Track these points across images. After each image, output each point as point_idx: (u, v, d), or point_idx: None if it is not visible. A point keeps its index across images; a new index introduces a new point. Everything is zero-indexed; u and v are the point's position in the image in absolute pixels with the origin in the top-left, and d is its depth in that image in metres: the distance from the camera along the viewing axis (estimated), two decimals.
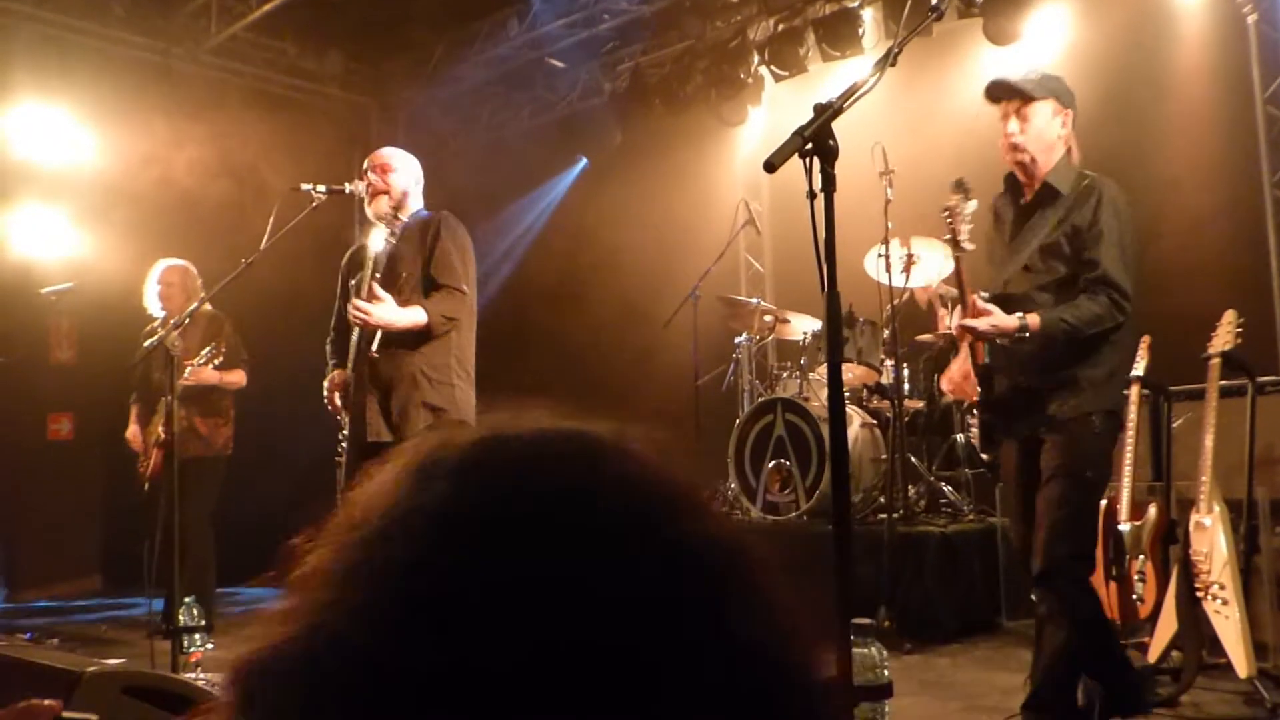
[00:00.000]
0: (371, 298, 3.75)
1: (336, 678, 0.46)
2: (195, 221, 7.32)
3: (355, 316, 3.71)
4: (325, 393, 4.05)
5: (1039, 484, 3.26)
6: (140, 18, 8.12)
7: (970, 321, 3.20)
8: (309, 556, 0.53)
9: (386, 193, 3.98)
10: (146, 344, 4.56)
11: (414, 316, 3.80)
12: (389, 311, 3.75)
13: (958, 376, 3.51)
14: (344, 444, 3.99)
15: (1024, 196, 3.39)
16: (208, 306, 5.52)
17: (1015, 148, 3.27)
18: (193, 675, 3.97)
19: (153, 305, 5.70)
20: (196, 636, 4.31)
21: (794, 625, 0.52)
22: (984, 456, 3.59)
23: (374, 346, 3.82)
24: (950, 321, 3.49)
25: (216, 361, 5.45)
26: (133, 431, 5.87)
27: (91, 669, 2.37)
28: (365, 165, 4.05)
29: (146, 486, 5.72)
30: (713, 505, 0.55)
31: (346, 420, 3.97)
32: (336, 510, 0.55)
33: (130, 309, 6.06)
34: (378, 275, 3.88)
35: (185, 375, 5.23)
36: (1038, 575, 3.23)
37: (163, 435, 5.49)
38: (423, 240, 3.93)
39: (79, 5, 7.88)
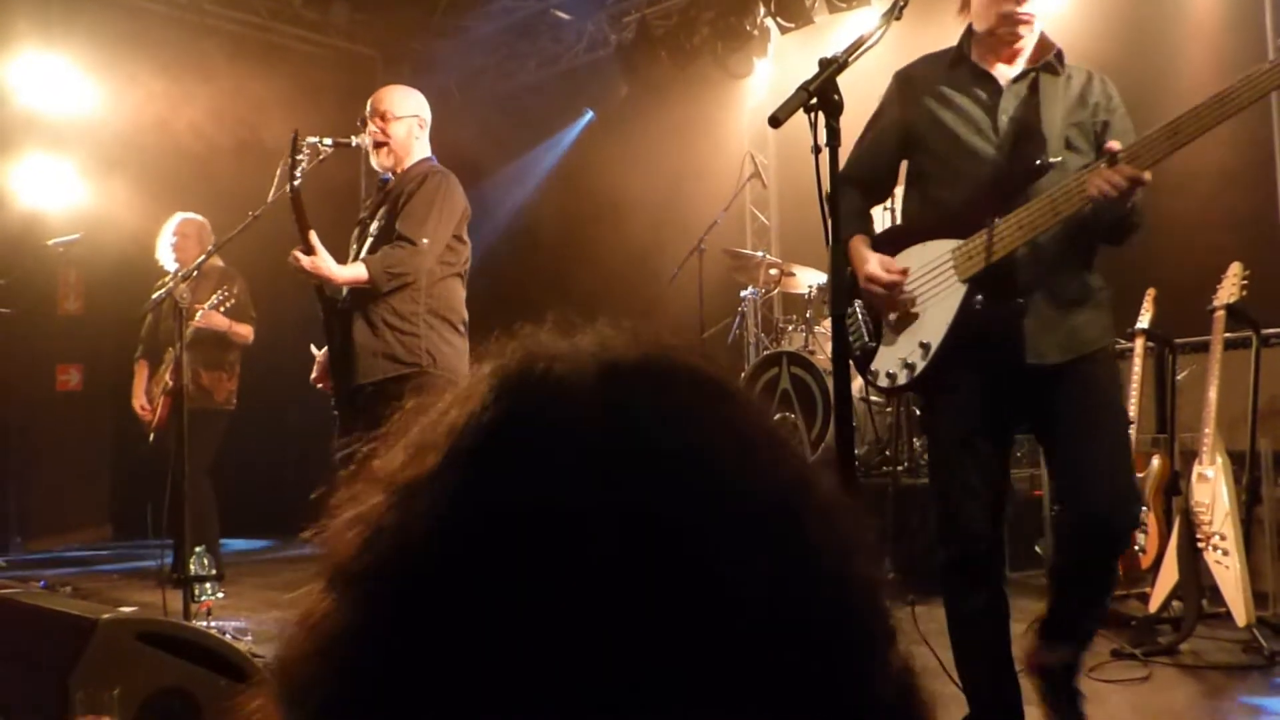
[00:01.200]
0: (309, 249, 3.67)
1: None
2: (201, 173, 7.31)
3: (292, 265, 3.68)
4: (314, 373, 4.05)
5: (1005, 436, 2.81)
6: None
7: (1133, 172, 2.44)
8: (340, 520, 0.51)
9: (386, 144, 3.91)
10: (155, 295, 4.58)
11: (354, 272, 3.73)
12: (325, 264, 3.68)
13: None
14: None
15: (992, 67, 2.78)
16: (218, 261, 5.53)
17: (1024, 20, 2.71)
18: (204, 623, 4.04)
19: (165, 258, 5.68)
20: (208, 585, 4.37)
21: (871, 559, 0.52)
22: (872, 394, 3.07)
23: (342, 293, 3.81)
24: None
25: (226, 306, 5.45)
26: (140, 400, 5.86)
27: (107, 616, 2.42)
28: (367, 109, 3.95)
29: (152, 438, 5.75)
30: (774, 442, 0.52)
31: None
32: (356, 467, 0.53)
33: (138, 260, 6.08)
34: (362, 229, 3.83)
35: (195, 318, 5.24)
36: (1112, 529, 2.67)
37: (170, 384, 5.51)
38: (406, 194, 3.85)
39: None
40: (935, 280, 2.72)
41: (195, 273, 4.54)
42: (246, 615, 4.81)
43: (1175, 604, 4.12)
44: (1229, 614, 3.93)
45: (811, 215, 2.09)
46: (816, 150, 1.95)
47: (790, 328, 6.62)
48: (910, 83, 2.89)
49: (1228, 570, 3.93)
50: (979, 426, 2.69)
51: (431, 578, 0.45)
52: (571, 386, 0.50)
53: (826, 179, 1.96)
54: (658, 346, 0.54)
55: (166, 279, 5.54)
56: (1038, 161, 2.59)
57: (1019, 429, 2.99)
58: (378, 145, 3.90)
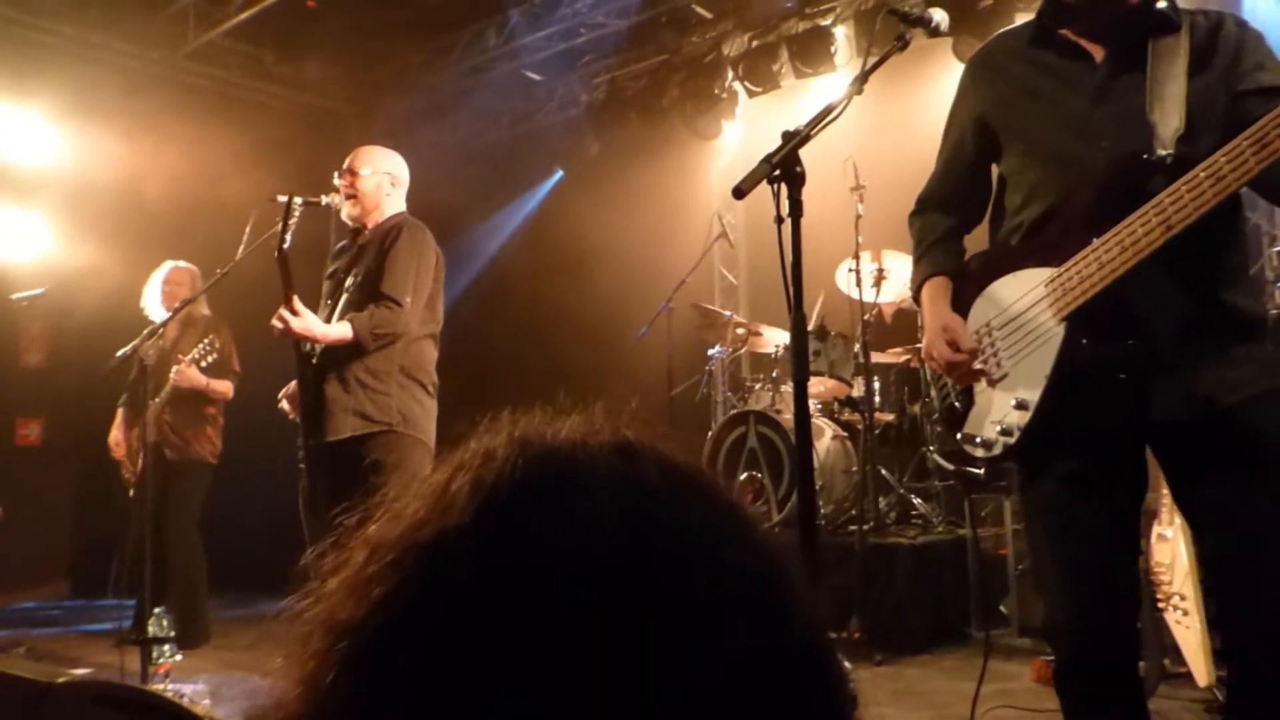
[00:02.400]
0: (292, 310, 3.69)
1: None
2: (169, 228, 7.30)
3: (274, 326, 3.69)
4: (279, 398, 4.04)
5: (1131, 505, 2.21)
6: (117, 21, 8.09)
7: None
8: (327, 583, 0.53)
9: (354, 197, 3.95)
10: (119, 353, 4.55)
11: (340, 332, 3.73)
12: (309, 323, 3.69)
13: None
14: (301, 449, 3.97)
15: (1085, 38, 2.21)
16: (206, 311, 5.54)
17: None
18: (161, 685, 3.96)
19: (153, 308, 5.63)
20: (165, 647, 4.29)
21: (826, 636, 0.55)
22: (975, 469, 2.27)
23: (314, 350, 3.81)
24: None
25: (207, 360, 5.41)
26: (115, 437, 5.81)
27: (61, 679, 2.38)
28: (344, 165, 4.01)
29: (131, 492, 5.68)
30: (753, 522, 0.56)
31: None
32: (348, 540, 0.55)
33: (104, 313, 6.04)
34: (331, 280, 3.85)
35: (172, 373, 5.22)
36: None
37: (152, 439, 5.47)
38: (380, 248, 3.88)
39: (56, 7, 7.84)
40: (1028, 322, 2.16)
41: (162, 330, 4.51)
42: (206, 677, 4.73)
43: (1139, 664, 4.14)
44: (1190, 674, 3.95)
45: (779, 276, 2.06)
46: (779, 221, 2.00)
47: (758, 387, 6.66)
48: (985, 67, 2.38)
49: (1188, 630, 3.96)
50: (1094, 500, 2.13)
51: (463, 629, 0.47)
52: (591, 458, 0.53)
53: (789, 250, 2.01)
54: (658, 434, 0.58)
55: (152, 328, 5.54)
56: (1145, 157, 2.03)
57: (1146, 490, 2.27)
58: (346, 198, 3.95)
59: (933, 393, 2.39)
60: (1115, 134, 2.09)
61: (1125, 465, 2.14)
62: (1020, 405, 2.13)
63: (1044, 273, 2.14)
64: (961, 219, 2.45)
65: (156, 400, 5.39)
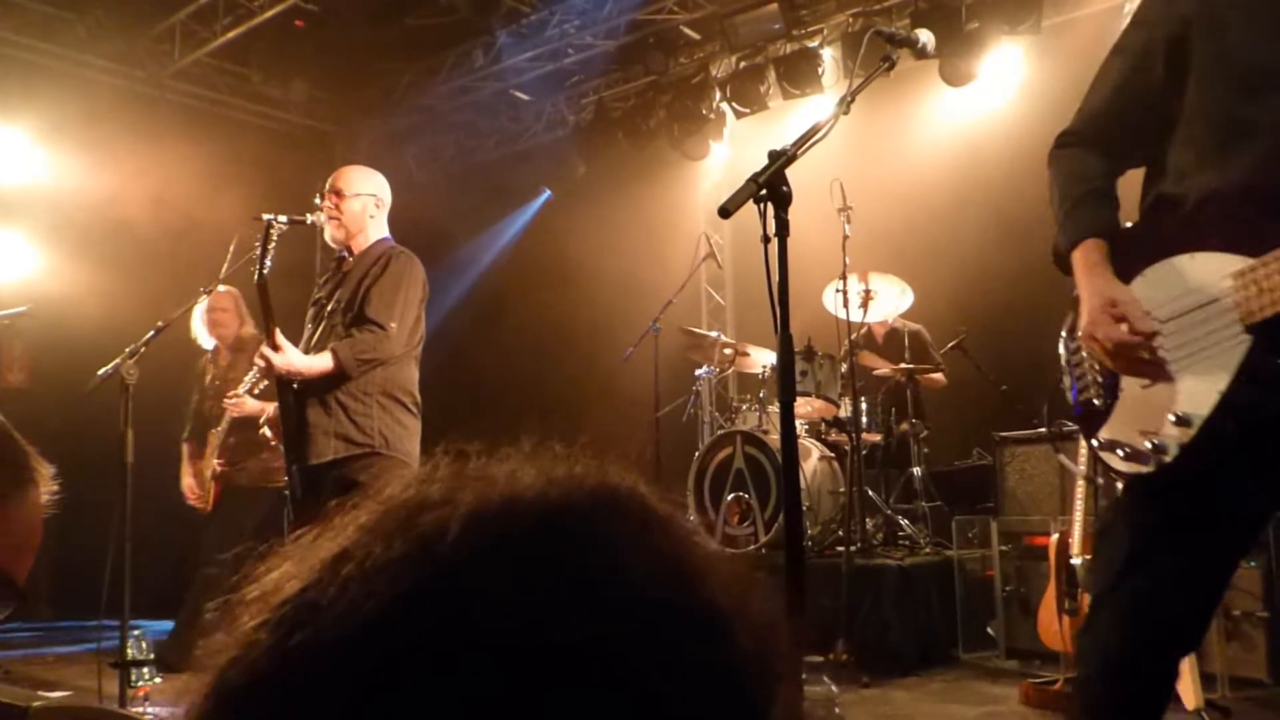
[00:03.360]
0: (274, 345, 3.67)
1: None
2: (154, 247, 7.27)
3: (256, 364, 3.69)
4: (261, 423, 4.02)
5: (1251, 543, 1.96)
6: (103, 40, 8.08)
7: None
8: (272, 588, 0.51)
9: (338, 219, 3.92)
10: (100, 372, 4.49)
11: (320, 364, 3.70)
12: (290, 359, 3.68)
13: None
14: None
15: None
16: (252, 329, 5.53)
17: None
18: (141, 709, 3.91)
19: (202, 336, 5.62)
20: (145, 670, 4.23)
21: (796, 686, 0.53)
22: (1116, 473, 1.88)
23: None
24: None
25: (259, 388, 5.32)
26: (188, 484, 5.73)
27: (37, 704, 2.34)
28: (326, 185, 3.97)
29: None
30: (717, 565, 0.52)
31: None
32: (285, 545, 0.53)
33: (86, 332, 6.00)
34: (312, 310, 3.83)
35: (229, 404, 5.20)
36: None
37: (218, 468, 5.49)
38: (366, 275, 3.85)
39: (41, 26, 7.83)
40: (1204, 320, 1.73)
41: (143, 348, 4.46)
42: (187, 701, 4.66)
43: None
44: (1177, 697, 3.94)
45: (766, 296, 2.05)
46: (766, 240, 1.99)
47: (744, 407, 6.65)
48: None
49: None
50: (1233, 542, 1.84)
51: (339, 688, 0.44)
52: (525, 511, 0.50)
53: (775, 269, 1.99)
54: (607, 478, 0.54)
55: (207, 356, 5.51)
56: None
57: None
58: (330, 219, 3.92)
59: (1065, 381, 1.97)
60: None
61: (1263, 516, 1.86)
62: (1181, 421, 1.72)
63: (1232, 261, 1.69)
64: (1122, 163, 1.95)
65: (217, 429, 5.42)
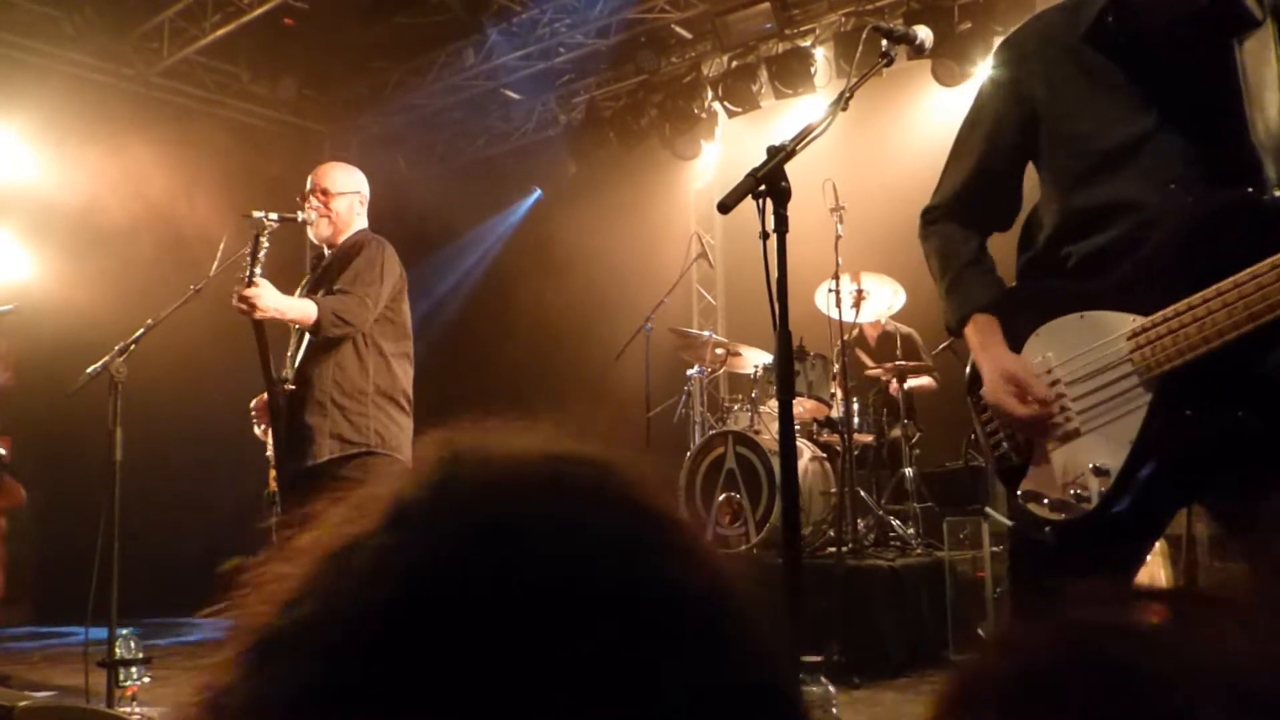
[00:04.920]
0: (251, 284, 3.58)
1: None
2: (141, 245, 7.23)
3: (238, 306, 3.60)
4: (252, 410, 3.98)
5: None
6: (91, 37, 8.03)
7: None
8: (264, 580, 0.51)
9: (328, 217, 3.93)
10: (89, 370, 4.45)
11: (303, 307, 3.66)
12: (272, 297, 3.59)
13: None
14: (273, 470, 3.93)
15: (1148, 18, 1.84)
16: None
17: None
18: (128, 709, 3.88)
19: None
20: (133, 670, 4.20)
21: (780, 665, 0.52)
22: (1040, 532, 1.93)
23: (290, 371, 3.78)
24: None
25: None
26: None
27: (24, 704, 2.32)
28: (308, 184, 3.97)
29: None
30: (703, 541, 0.53)
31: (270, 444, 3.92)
32: (279, 542, 0.53)
33: (73, 331, 5.96)
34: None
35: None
36: None
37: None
38: (343, 263, 3.86)
39: (28, 22, 7.78)
40: (1102, 378, 1.84)
41: (132, 346, 4.43)
42: (174, 700, 4.63)
43: None
44: None
45: (758, 295, 2.09)
46: (764, 236, 1.98)
47: (736, 407, 6.64)
48: (1030, 52, 1.98)
49: None
50: (1146, 543, 1.95)
51: (357, 639, 0.45)
52: (517, 467, 0.51)
53: (774, 265, 1.98)
54: (597, 447, 0.55)
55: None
56: (1249, 190, 1.72)
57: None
58: (319, 216, 3.92)
59: (980, 440, 2.07)
60: (1204, 164, 1.76)
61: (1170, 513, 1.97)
62: (1099, 471, 1.82)
63: (1123, 320, 1.81)
64: (986, 232, 2.08)
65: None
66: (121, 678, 4.09)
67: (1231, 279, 1.66)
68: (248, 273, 3.58)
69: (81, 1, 7.81)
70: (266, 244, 3.62)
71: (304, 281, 4.16)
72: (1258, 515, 1.77)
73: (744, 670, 0.49)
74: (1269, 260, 1.62)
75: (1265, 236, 1.65)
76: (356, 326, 3.75)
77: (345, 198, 3.97)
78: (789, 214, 2.04)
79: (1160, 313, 1.74)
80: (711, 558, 0.52)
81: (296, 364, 3.81)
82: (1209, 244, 1.72)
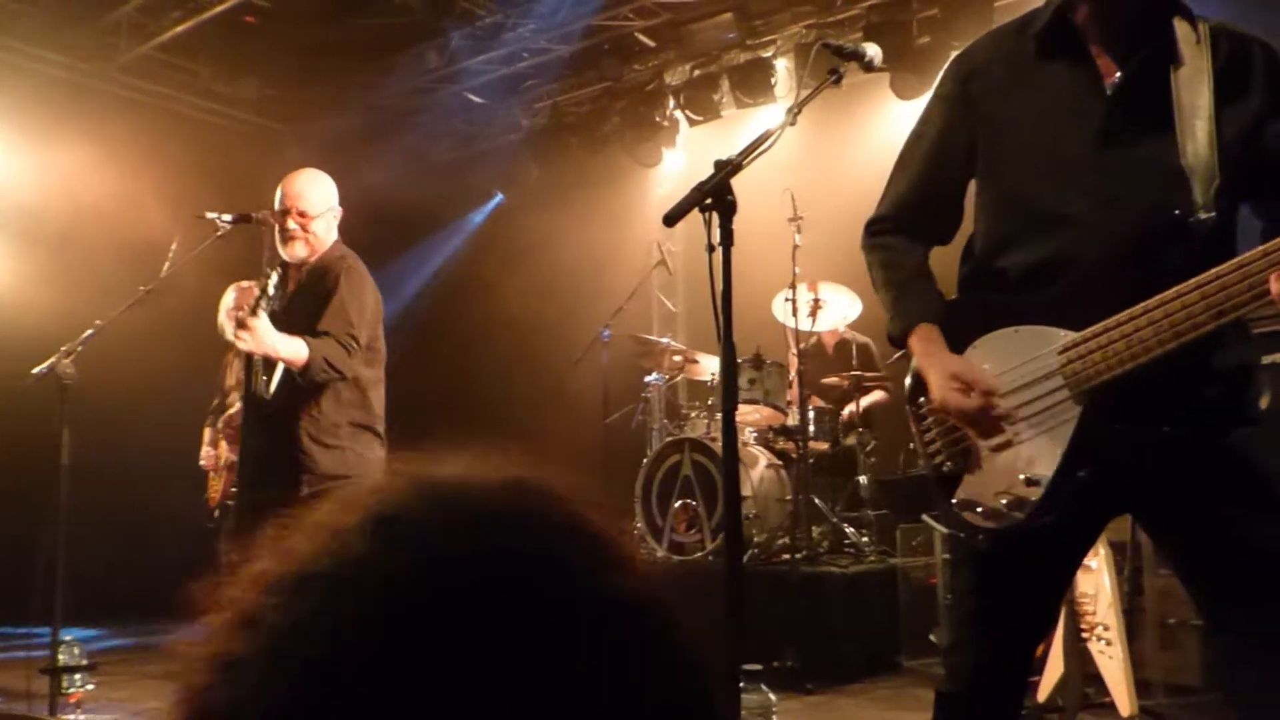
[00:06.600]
0: (255, 315, 3.52)
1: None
2: (97, 243, 7.13)
3: (239, 337, 3.55)
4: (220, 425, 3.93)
5: (1088, 537, 2.07)
6: (50, 32, 7.90)
7: None
8: (223, 603, 0.53)
9: (305, 240, 3.76)
10: (35, 370, 4.38)
11: (295, 347, 3.57)
12: (268, 335, 3.53)
13: None
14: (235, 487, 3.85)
15: (1094, 46, 1.91)
16: None
17: None
18: (72, 716, 3.82)
19: (228, 329, 5.50)
20: (77, 676, 4.14)
21: (707, 682, 0.54)
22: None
23: (269, 394, 3.69)
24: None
25: None
26: (206, 453, 5.69)
27: None
28: (281, 200, 3.77)
29: (216, 513, 5.55)
30: (635, 559, 0.56)
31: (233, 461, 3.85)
32: (246, 556, 0.55)
33: (29, 328, 5.86)
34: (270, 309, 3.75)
35: (232, 408, 5.11)
36: None
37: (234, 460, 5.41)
38: (322, 286, 3.75)
39: None
40: (1035, 390, 1.91)
41: (80, 347, 4.37)
42: (119, 706, 4.57)
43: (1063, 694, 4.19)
44: (1113, 704, 4.01)
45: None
46: (711, 249, 2.00)
47: (694, 414, 6.67)
48: (977, 71, 2.05)
49: (1111, 660, 4.01)
50: (1048, 552, 1.98)
51: (348, 660, 0.47)
52: (480, 492, 0.55)
53: (720, 279, 2.00)
54: (529, 479, 0.58)
55: (231, 351, 5.42)
56: (1176, 212, 1.77)
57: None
58: (295, 238, 3.74)
59: (918, 449, 2.10)
60: (1138, 184, 1.82)
61: (1100, 524, 2.04)
62: (1032, 482, 1.88)
63: (1056, 334, 1.87)
64: (929, 244, 2.14)
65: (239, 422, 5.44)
66: (65, 684, 4.04)
67: (1158, 297, 1.73)
68: (252, 305, 3.51)
69: None
70: (274, 291, 3.56)
71: (271, 284, 4.02)
72: (1182, 527, 1.87)
73: (669, 679, 0.51)
74: (1193, 280, 1.69)
75: (1190, 257, 1.72)
76: (344, 375, 3.68)
77: (323, 218, 3.81)
78: (742, 225, 2.06)
79: (1091, 329, 1.82)
80: (634, 571, 0.54)
81: (272, 390, 3.71)
82: (1138, 263, 1.78)
